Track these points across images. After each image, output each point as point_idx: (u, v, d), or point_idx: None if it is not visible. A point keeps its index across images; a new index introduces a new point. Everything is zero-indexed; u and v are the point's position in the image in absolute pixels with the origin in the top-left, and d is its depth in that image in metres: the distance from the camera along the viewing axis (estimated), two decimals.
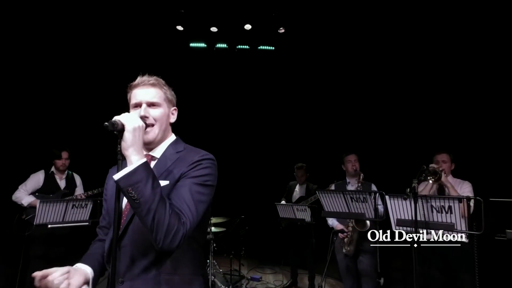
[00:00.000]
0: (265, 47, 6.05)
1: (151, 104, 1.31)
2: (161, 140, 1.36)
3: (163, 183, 1.21)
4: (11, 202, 3.54)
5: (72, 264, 1.23)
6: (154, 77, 1.37)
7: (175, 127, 1.47)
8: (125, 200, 1.27)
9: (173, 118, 1.42)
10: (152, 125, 1.30)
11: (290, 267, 4.97)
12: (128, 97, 1.37)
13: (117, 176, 1.07)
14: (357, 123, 5.36)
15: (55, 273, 1.10)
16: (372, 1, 4.48)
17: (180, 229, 1.11)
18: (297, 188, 4.85)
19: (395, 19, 4.46)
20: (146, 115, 1.28)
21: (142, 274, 1.19)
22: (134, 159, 1.09)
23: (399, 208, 2.28)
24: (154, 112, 1.31)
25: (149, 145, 1.32)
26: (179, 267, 1.23)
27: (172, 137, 1.42)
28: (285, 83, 6.42)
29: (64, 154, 3.76)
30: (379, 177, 3.66)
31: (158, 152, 1.35)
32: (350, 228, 3.31)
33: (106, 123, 1.08)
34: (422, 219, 2.18)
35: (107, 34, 5.06)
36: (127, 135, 1.10)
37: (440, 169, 2.75)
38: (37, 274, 1.07)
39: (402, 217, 2.26)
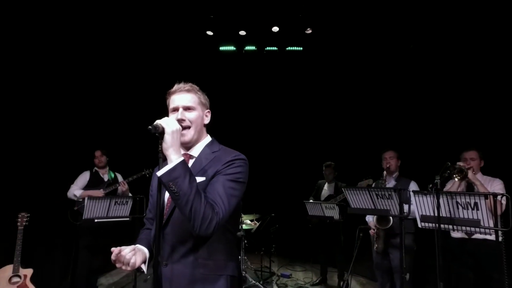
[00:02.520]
0: (293, 48, 6.15)
1: (187, 108, 1.47)
2: (197, 140, 1.51)
3: (200, 179, 1.36)
4: (65, 197, 3.95)
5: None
6: (189, 83, 1.52)
7: (209, 128, 1.63)
8: (167, 195, 1.43)
9: (207, 120, 1.56)
10: (189, 127, 1.45)
11: (319, 264, 5.01)
12: (167, 103, 1.53)
13: (160, 173, 1.24)
14: (385, 121, 5.28)
15: (126, 249, 1.30)
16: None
17: (214, 217, 1.26)
18: (326, 186, 4.90)
19: (423, 18, 4.37)
20: (183, 118, 1.44)
21: (182, 258, 1.36)
22: (174, 158, 1.25)
23: (424, 205, 2.29)
24: (190, 115, 1.46)
25: (187, 145, 1.48)
26: (214, 253, 1.38)
27: (208, 138, 1.57)
28: (314, 82, 6.46)
29: (97, 153, 4.17)
30: (417, 174, 3.60)
31: (195, 151, 1.51)
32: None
33: (149, 126, 1.25)
34: (448, 215, 2.18)
35: (144, 43, 5.44)
36: (167, 137, 1.26)
37: (467, 167, 2.69)
38: (114, 249, 1.28)
39: (427, 213, 2.27)
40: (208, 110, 1.58)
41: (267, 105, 6.86)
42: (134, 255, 1.32)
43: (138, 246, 1.43)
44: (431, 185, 2.20)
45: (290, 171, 6.70)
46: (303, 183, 5.75)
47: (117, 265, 1.30)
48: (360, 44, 5.45)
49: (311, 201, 4.52)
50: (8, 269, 3.18)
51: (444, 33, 4.31)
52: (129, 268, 1.30)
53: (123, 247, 1.31)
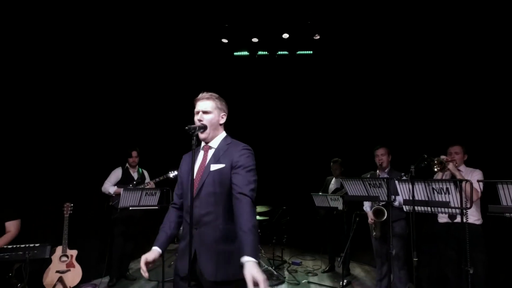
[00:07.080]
0: (303, 52, 6.56)
1: (205, 112, 1.95)
2: (213, 136, 1.98)
3: (220, 166, 1.85)
4: (101, 193, 4.53)
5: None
6: (210, 93, 2.00)
7: (229, 125, 2.08)
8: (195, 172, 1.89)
9: (222, 120, 2.02)
10: (206, 126, 1.92)
11: (328, 254, 5.42)
12: (195, 106, 2.01)
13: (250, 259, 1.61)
14: (391, 120, 5.60)
15: (143, 265, 1.79)
16: (398, 4, 4.78)
17: (251, 203, 1.77)
18: (333, 181, 5.29)
19: (425, 22, 4.69)
20: (201, 119, 1.93)
21: (208, 223, 1.81)
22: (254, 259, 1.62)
23: (406, 191, 2.70)
24: (207, 117, 1.94)
25: (205, 140, 1.97)
26: (230, 219, 1.81)
27: (223, 134, 2.04)
28: (323, 83, 6.87)
29: (134, 153, 4.65)
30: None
31: (214, 143, 1.98)
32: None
33: (186, 127, 1.73)
34: (426, 199, 2.59)
35: (169, 53, 6.12)
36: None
37: (449, 159, 3.07)
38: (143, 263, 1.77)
39: (408, 198, 2.68)
40: (224, 113, 2.04)
41: (279, 105, 7.31)
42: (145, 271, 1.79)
43: (151, 253, 1.86)
44: (403, 174, 2.59)
45: (301, 167, 7.14)
46: (313, 179, 6.15)
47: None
48: (365, 47, 5.82)
49: (320, 194, 4.92)
50: (58, 249, 3.79)
51: (438, 35, 4.63)
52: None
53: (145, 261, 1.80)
